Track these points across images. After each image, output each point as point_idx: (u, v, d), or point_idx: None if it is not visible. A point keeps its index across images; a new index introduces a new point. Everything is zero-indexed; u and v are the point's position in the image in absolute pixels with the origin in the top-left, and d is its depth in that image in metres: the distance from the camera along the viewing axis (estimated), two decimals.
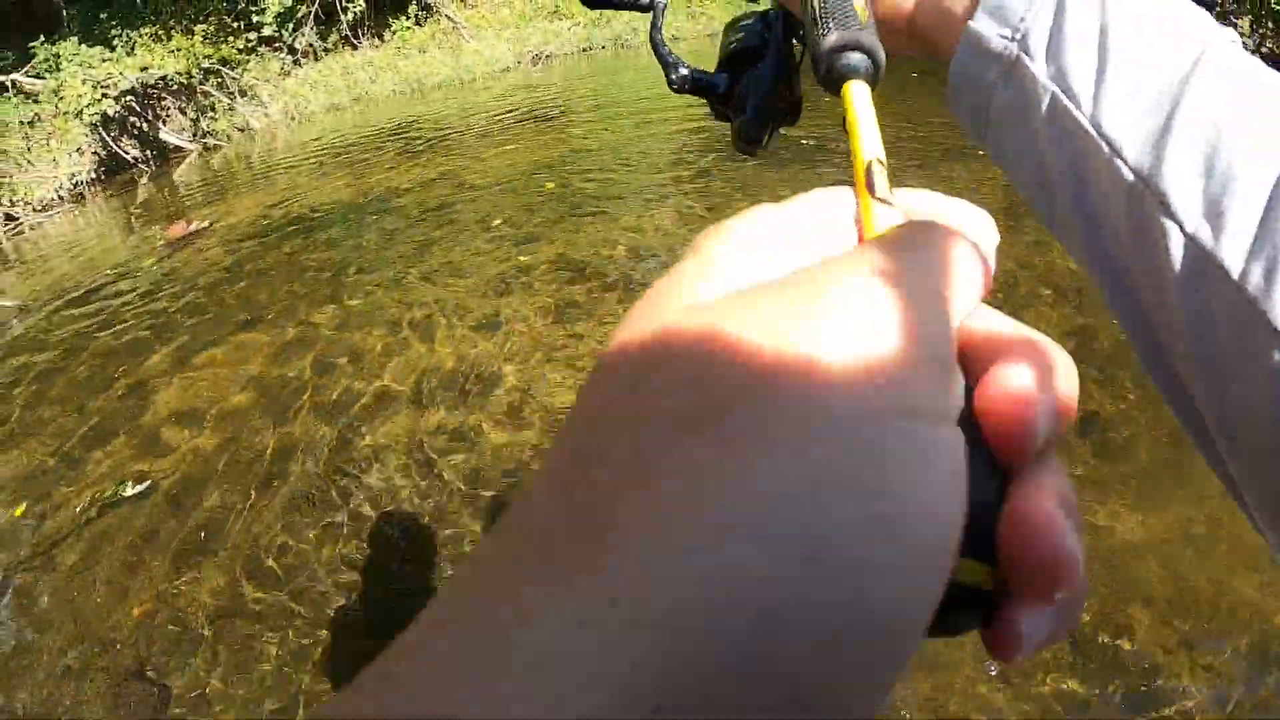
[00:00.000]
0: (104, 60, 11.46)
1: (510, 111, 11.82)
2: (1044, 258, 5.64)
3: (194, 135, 12.33)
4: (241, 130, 12.80)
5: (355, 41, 14.75)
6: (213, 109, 12.69)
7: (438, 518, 3.60)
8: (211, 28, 13.15)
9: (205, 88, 12.59)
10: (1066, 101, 0.49)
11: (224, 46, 13.08)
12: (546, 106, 11.80)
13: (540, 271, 5.87)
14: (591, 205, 7.13)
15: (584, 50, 16.45)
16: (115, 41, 12.34)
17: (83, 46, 11.56)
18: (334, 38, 14.53)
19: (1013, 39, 0.51)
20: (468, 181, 8.36)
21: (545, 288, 5.62)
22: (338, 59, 14.44)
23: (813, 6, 0.47)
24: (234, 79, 13.03)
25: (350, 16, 14.34)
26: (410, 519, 3.63)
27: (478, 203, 7.63)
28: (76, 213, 10.13)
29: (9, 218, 9.68)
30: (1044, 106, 0.50)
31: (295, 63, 14.18)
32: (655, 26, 0.73)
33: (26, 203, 9.98)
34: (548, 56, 15.79)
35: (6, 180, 9.97)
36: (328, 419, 4.41)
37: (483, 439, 4.10)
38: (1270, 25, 15.15)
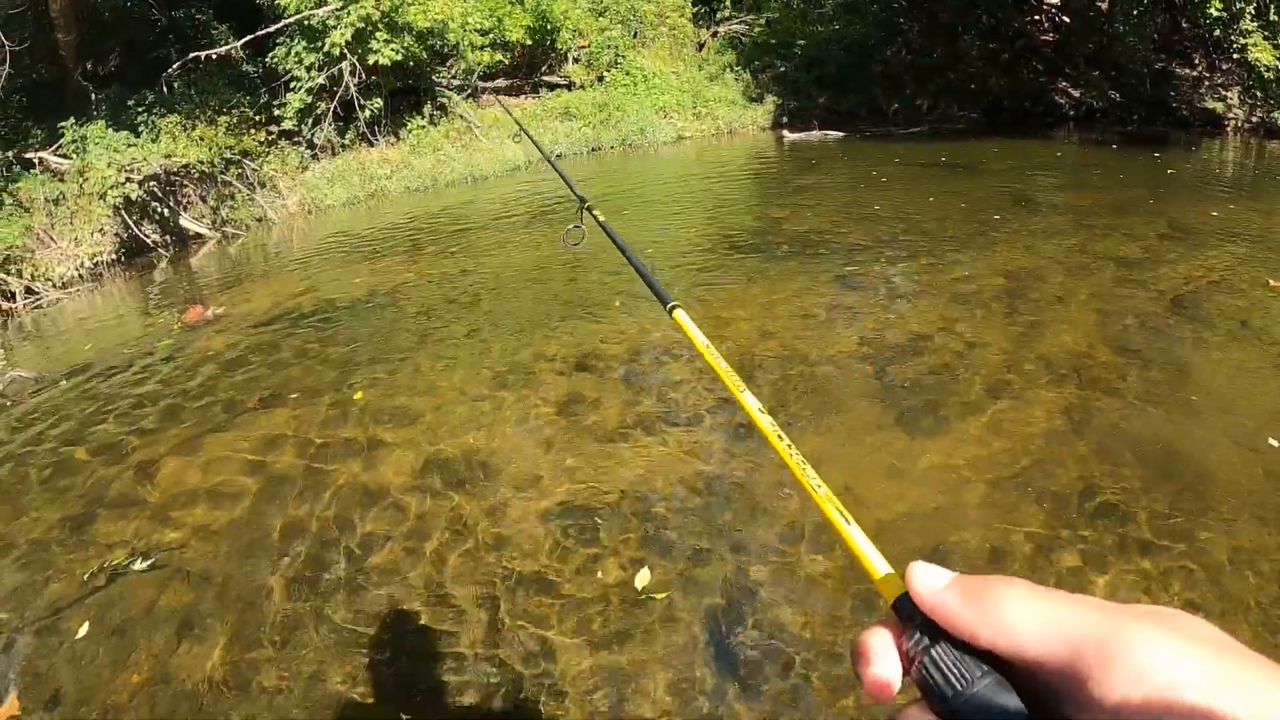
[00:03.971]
0: (130, 145, 11.82)
1: (520, 210, 12.20)
2: (1041, 340, 5.90)
3: (213, 223, 12.70)
4: (259, 220, 13.18)
5: (372, 139, 15.20)
6: (233, 198, 13.09)
7: (434, 600, 3.79)
8: (234, 120, 13.58)
9: (226, 177, 13.01)
10: None
11: (246, 138, 13.51)
12: (555, 205, 12.17)
13: (543, 366, 6.12)
14: (597, 303, 7.41)
15: (593, 150, 16.95)
16: (141, 128, 12.73)
17: (110, 130, 11.95)
18: (351, 134, 14.99)
19: None
20: (476, 277, 8.67)
21: (548, 381, 5.87)
22: (354, 155, 14.88)
23: None
24: (254, 170, 13.46)
25: (368, 114, 14.82)
26: (408, 602, 3.80)
27: (485, 298, 7.92)
28: (95, 291, 10.41)
29: (30, 291, 9.96)
30: None
31: (314, 157, 14.61)
32: None
33: (47, 278, 10.27)
34: (558, 156, 16.27)
35: (29, 255, 10.27)
36: (332, 504, 4.60)
37: (480, 526, 4.29)
38: (1259, 94, 15.68)
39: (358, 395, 6.01)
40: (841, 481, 4.36)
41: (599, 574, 3.84)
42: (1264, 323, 6.11)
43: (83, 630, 3.81)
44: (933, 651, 0.43)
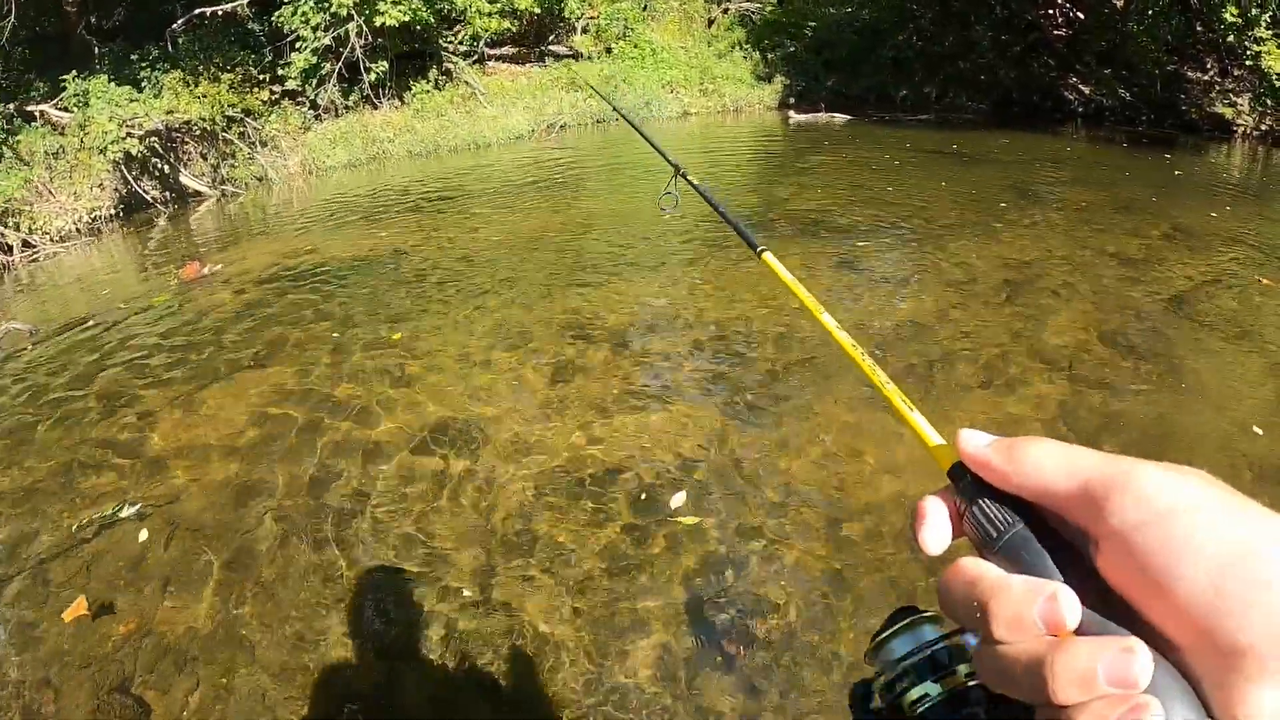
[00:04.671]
0: (131, 100, 11.76)
1: (522, 177, 12.16)
2: (1036, 332, 5.91)
3: (213, 181, 12.66)
4: (260, 180, 13.13)
5: (376, 101, 15.11)
6: (233, 157, 13.03)
7: (424, 559, 3.80)
8: (238, 78, 13.49)
9: (228, 135, 12.95)
10: None
11: (249, 97, 13.42)
12: (558, 174, 12.14)
13: (540, 331, 6.13)
14: (594, 272, 7.42)
15: (598, 122, 16.89)
16: (144, 83, 12.65)
17: (112, 85, 11.89)
18: (355, 96, 14.90)
19: None
20: (474, 244, 8.65)
21: (544, 348, 5.87)
22: (358, 117, 14.80)
23: None
24: (256, 129, 13.39)
25: (373, 77, 14.72)
26: (398, 559, 3.82)
27: (483, 264, 7.91)
28: (93, 246, 10.38)
29: (27, 244, 9.94)
30: None
31: (316, 118, 14.53)
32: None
33: (45, 232, 10.25)
34: (562, 126, 16.22)
35: (27, 208, 10.24)
36: (324, 460, 4.62)
37: (470, 485, 4.31)
38: (1270, 102, 15.63)
39: (395, 336, 6.22)
40: (836, 461, 4.37)
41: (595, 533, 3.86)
42: (1257, 323, 6.13)
43: (69, 580, 3.82)
44: (978, 503, 0.50)
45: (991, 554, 0.48)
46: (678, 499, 4.23)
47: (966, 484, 0.52)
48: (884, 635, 0.63)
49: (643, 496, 4.20)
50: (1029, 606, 0.43)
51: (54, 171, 10.87)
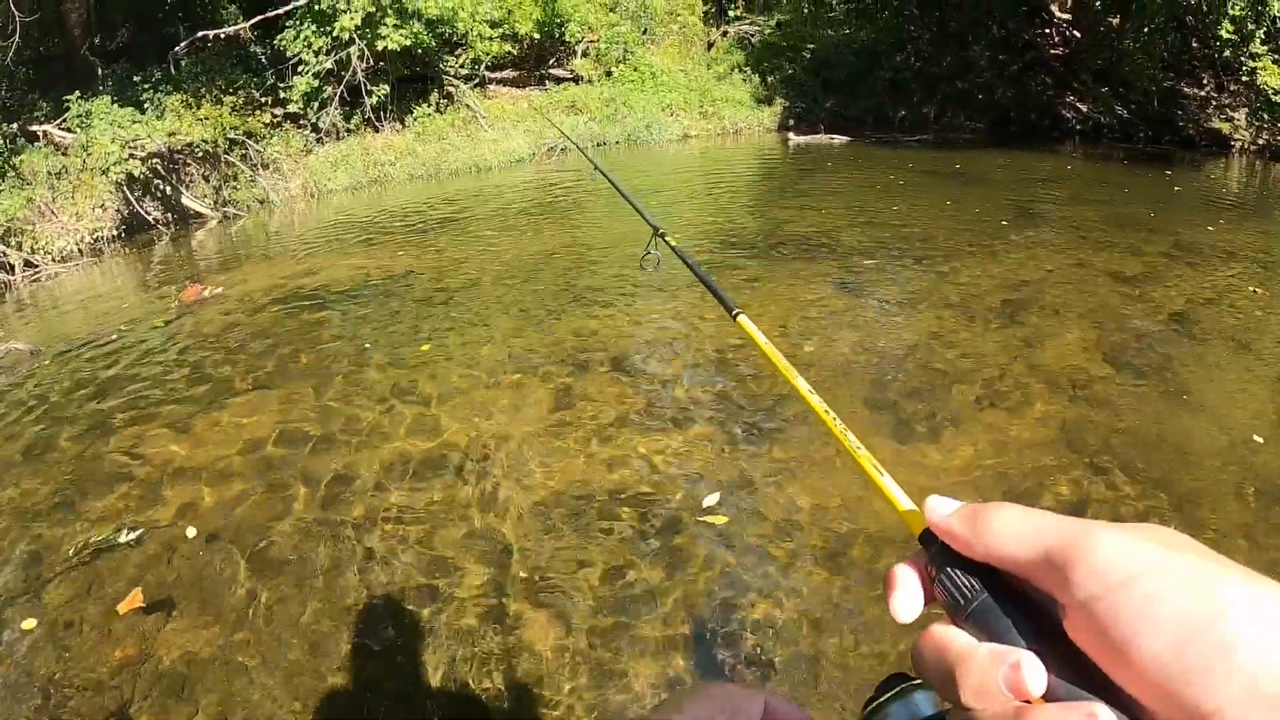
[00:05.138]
0: (134, 122, 11.80)
1: (522, 201, 12.20)
2: (1037, 352, 5.92)
3: (215, 203, 12.69)
4: (261, 202, 13.16)
5: (377, 124, 15.17)
6: (235, 179, 13.07)
7: (430, 583, 3.79)
8: (240, 100, 13.54)
9: (229, 158, 12.99)
10: None
11: (251, 119, 13.47)
12: (558, 198, 12.17)
13: (540, 356, 6.12)
14: (595, 296, 7.42)
15: (598, 145, 16.94)
16: (147, 104, 12.69)
17: (115, 106, 11.92)
18: (357, 119, 14.95)
19: None
20: (475, 268, 8.66)
21: (543, 372, 5.86)
22: (359, 140, 14.86)
23: None
24: (258, 151, 13.43)
25: (374, 100, 14.79)
26: (399, 588, 3.80)
27: (483, 288, 7.91)
28: (95, 267, 10.40)
29: (29, 264, 9.95)
30: None
31: (318, 140, 14.58)
32: None
33: (47, 252, 10.26)
34: (563, 150, 16.28)
35: (30, 228, 10.26)
36: (323, 486, 4.61)
37: (471, 511, 4.30)
38: (1266, 117, 15.71)
39: (424, 347, 6.36)
40: (833, 485, 4.37)
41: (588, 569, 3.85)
42: (1258, 337, 6.15)
43: (67, 603, 3.80)
44: (947, 571, 0.50)
45: (961, 621, 0.49)
46: (711, 498, 4.29)
47: (936, 551, 0.52)
48: (876, 704, 0.63)
49: (652, 517, 4.19)
50: (994, 674, 0.44)
51: (56, 191, 10.89)
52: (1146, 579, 0.41)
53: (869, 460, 0.65)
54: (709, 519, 4.16)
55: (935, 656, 0.48)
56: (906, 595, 0.53)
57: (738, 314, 1.22)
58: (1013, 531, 0.47)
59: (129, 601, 3.77)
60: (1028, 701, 0.43)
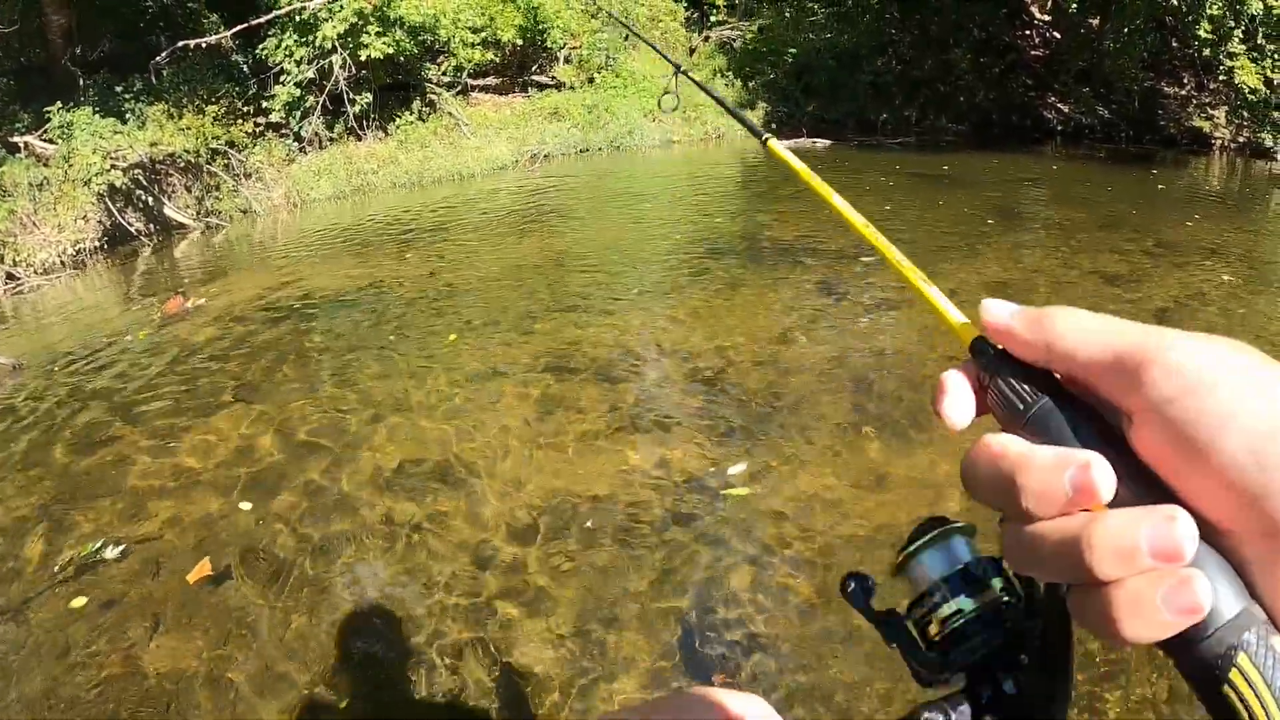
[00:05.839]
0: (116, 132, 11.72)
1: (506, 209, 12.20)
2: None
3: (198, 213, 12.61)
4: (244, 212, 13.09)
5: (360, 133, 15.12)
6: (218, 189, 12.99)
7: (412, 600, 3.77)
8: (222, 110, 13.47)
9: (212, 168, 12.92)
10: None
11: (233, 129, 13.40)
12: (541, 205, 12.17)
13: (524, 365, 6.11)
14: (579, 303, 7.41)
15: (581, 151, 16.94)
16: (128, 115, 12.62)
17: (96, 116, 11.83)
18: (339, 128, 14.90)
19: None
20: (460, 275, 8.65)
21: (528, 380, 5.86)
22: (342, 148, 14.80)
23: None
24: (240, 161, 13.37)
25: (357, 109, 14.75)
26: (386, 602, 3.79)
27: (468, 296, 7.90)
28: (77, 279, 10.33)
29: (10, 277, 9.87)
30: None
31: (301, 150, 14.52)
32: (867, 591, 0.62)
33: (29, 264, 10.18)
34: (546, 156, 16.26)
35: (11, 240, 10.18)
36: (307, 498, 4.59)
37: (456, 521, 4.29)
38: (1245, 115, 15.84)
39: (452, 337, 6.57)
40: (820, 489, 4.37)
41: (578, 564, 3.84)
42: (1239, 333, 6.17)
43: (50, 619, 3.77)
44: (1003, 376, 0.48)
45: (1019, 428, 0.46)
46: (736, 468, 4.39)
47: (990, 357, 0.50)
48: (913, 548, 0.58)
49: (632, 525, 4.19)
50: (1060, 476, 0.41)
51: (38, 203, 10.80)
52: (1227, 382, 0.39)
53: (917, 273, 0.64)
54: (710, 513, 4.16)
55: (990, 464, 0.45)
56: (958, 399, 0.51)
57: (766, 139, 1.26)
58: (1081, 333, 0.45)
59: (199, 570, 3.74)
60: (1093, 508, 0.41)
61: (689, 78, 2.15)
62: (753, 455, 4.74)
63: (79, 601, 3.88)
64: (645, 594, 3.70)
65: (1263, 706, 0.38)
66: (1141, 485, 0.42)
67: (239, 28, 14.21)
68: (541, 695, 3.19)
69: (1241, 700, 0.38)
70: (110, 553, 4.21)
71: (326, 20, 13.47)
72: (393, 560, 4.04)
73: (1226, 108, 16.46)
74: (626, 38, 19.27)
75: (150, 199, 12.12)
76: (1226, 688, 0.38)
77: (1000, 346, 0.50)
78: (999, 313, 0.49)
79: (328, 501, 4.54)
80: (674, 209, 12.04)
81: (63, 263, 10.62)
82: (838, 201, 0.85)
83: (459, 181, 14.87)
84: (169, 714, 3.21)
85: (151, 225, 12.09)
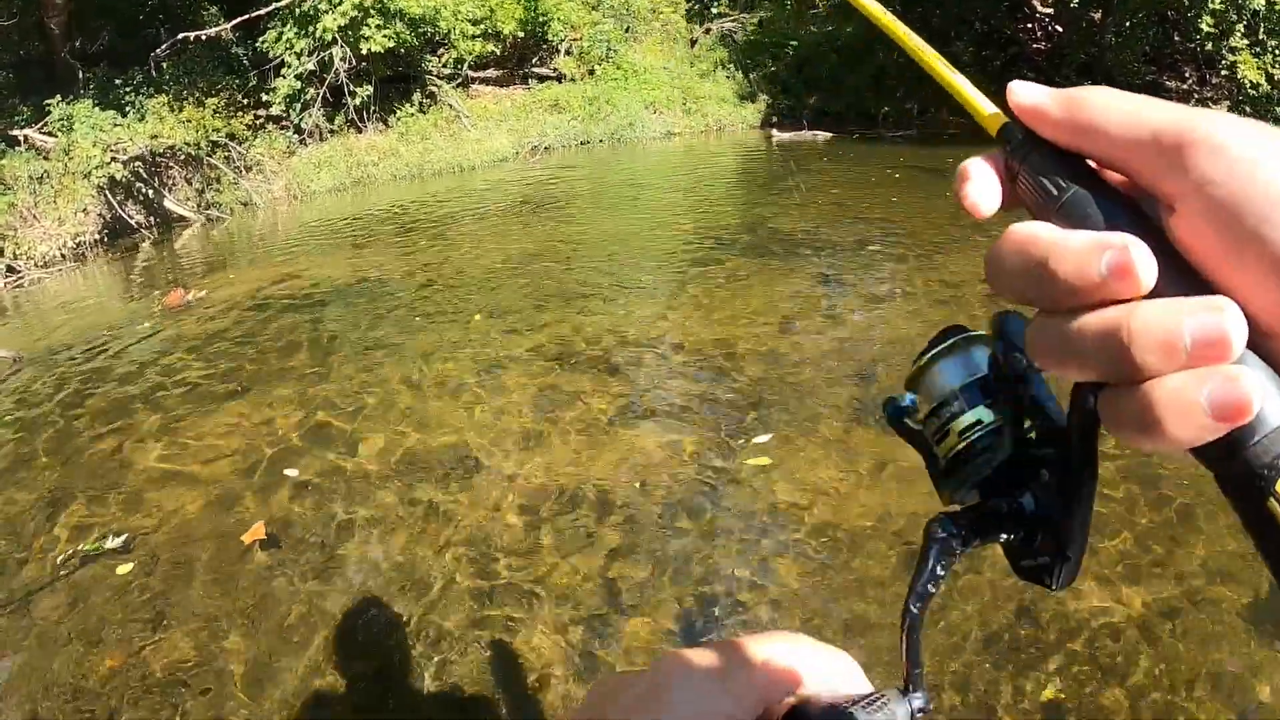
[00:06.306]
0: (116, 125, 11.72)
1: (507, 200, 12.17)
2: None
3: (198, 206, 12.62)
4: (245, 204, 13.08)
5: (360, 125, 15.10)
6: (218, 181, 12.99)
7: (411, 593, 3.77)
8: (222, 102, 13.46)
9: (212, 160, 12.91)
10: None
11: (233, 121, 13.39)
12: (543, 196, 12.15)
13: (525, 356, 6.11)
14: (582, 294, 7.41)
15: (582, 143, 16.91)
16: (128, 108, 12.61)
17: (96, 109, 11.84)
18: (340, 120, 14.88)
19: None
20: (461, 266, 8.64)
21: (530, 371, 5.86)
22: (342, 141, 14.79)
23: None
24: (241, 154, 13.36)
25: (357, 101, 14.73)
26: (387, 593, 3.79)
27: (469, 288, 7.89)
28: (77, 272, 10.34)
29: (10, 270, 9.88)
30: None
31: (301, 142, 14.51)
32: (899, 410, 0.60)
33: (29, 257, 10.18)
34: (546, 148, 16.24)
35: (11, 233, 10.18)
36: (309, 490, 4.59)
37: (459, 512, 4.29)
38: (1247, 110, 15.83)
39: (477, 317, 6.63)
40: (824, 478, 4.37)
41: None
42: None
43: (54, 614, 3.78)
44: (1033, 160, 0.45)
45: (1052, 215, 0.43)
46: (762, 437, 4.49)
47: (1019, 142, 0.47)
48: (929, 355, 0.55)
49: (634, 516, 4.19)
50: (1096, 259, 0.38)
51: (38, 196, 10.80)
52: (1275, 162, 0.36)
53: (939, 60, 0.58)
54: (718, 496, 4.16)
55: (1018, 252, 0.42)
56: (983, 185, 0.47)
57: None
58: (1117, 112, 0.42)
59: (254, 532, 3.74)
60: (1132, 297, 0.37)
61: None
62: (758, 437, 4.74)
63: (81, 591, 3.88)
64: (651, 577, 3.70)
65: None
66: (1184, 281, 0.38)
67: (239, 20, 14.19)
68: (548, 676, 3.20)
69: None
70: (112, 544, 4.21)
71: (327, 12, 13.44)
72: (401, 543, 4.03)
73: (1228, 102, 16.42)
74: (628, 30, 19.23)
75: (150, 192, 12.11)
76: (1273, 500, 0.35)
77: (1029, 131, 0.47)
78: (1029, 94, 0.47)
79: (330, 492, 4.54)
80: (676, 200, 12.03)
81: (63, 256, 10.62)
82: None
83: (459, 174, 14.85)
84: (171, 703, 3.22)
85: (152, 218, 12.10)
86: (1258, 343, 0.36)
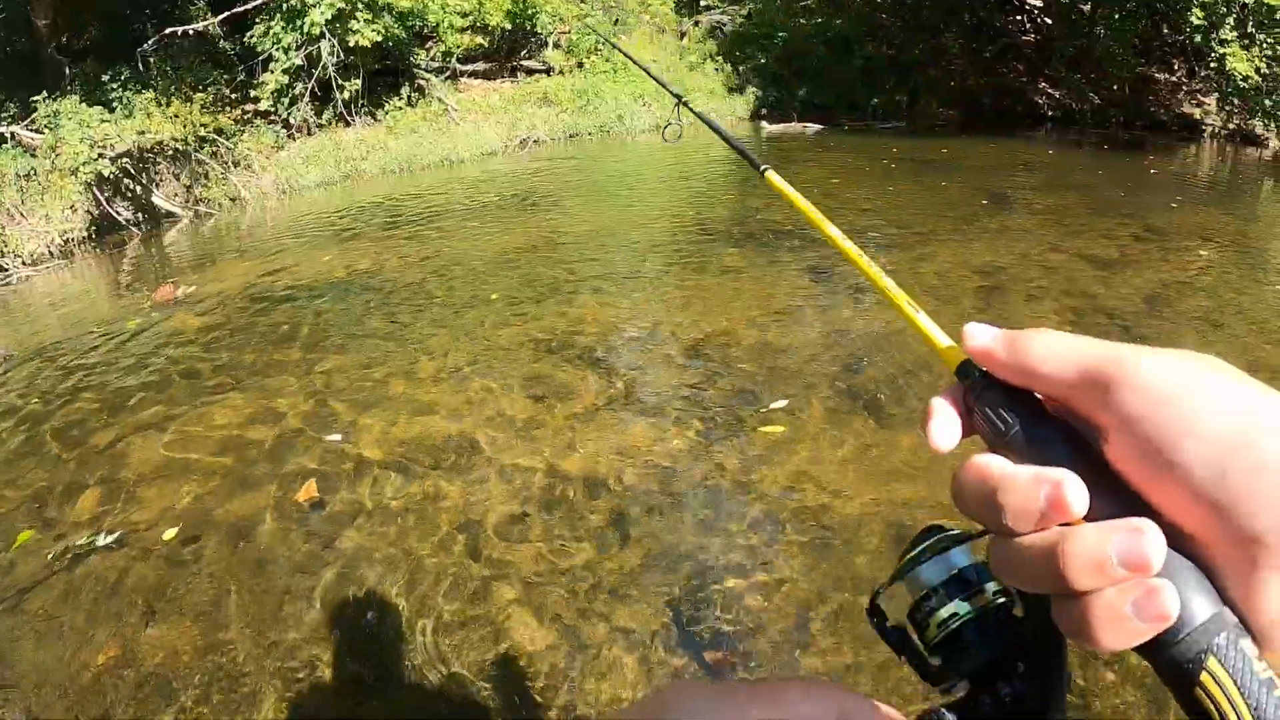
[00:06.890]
0: (103, 121, 11.67)
1: (497, 193, 12.16)
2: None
3: (186, 202, 12.56)
4: (233, 200, 13.04)
5: (349, 119, 15.08)
6: (206, 177, 12.94)
7: (406, 584, 3.77)
8: (210, 97, 13.43)
9: (200, 156, 12.86)
10: None
11: (221, 117, 13.36)
12: (532, 190, 12.14)
13: (515, 348, 6.11)
14: (571, 286, 7.41)
15: (571, 136, 16.91)
16: (115, 103, 12.57)
17: (83, 105, 11.79)
18: (328, 114, 14.86)
19: None
20: (450, 260, 8.63)
21: (519, 363, 5.86)
22: (331, 135, 14.76)
23: None
24: (229, 149, 13.32)
25: (345, 95, 14.70)
26: (378, 583, 3.79)
27: (458, 281, 7.88)
28: (66, 269, 10.29)
29: None
30: None
31: (289, 137, 14.48)
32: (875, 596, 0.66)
33: (17, 255, 10.13)
34: (535, 141, 16.24)
35: None
36: (300, 484, 4.58)
37: (448, 502, 4.29)
38: (1235, 103, 15.89)
39: (494, 296, 6.86)
40: (814, 470, 4.38)
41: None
42: (1228, 316, 6.23)
43: (46, 609, 3.77)
44: (986, 398, 0.50)
45: (1003, 447, 0.49)
46: (780, 401, 4.62)
47: (974, 380, 0.52)
48: (910, 555, 0.62)
49: (627, 510, 4.19)
50: (1036, 493, 0.43)
51: (25, 194, 10.76)
52: (1189, 396, 0.41)
53: (905, 300, 0.66)
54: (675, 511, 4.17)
55: (976, 483, 0.47)
56: (943, 423, 0.52)
57: (765, 170, 1.27)
58: (1055, 352, 0.47)
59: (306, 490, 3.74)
60: (1070, 523, 0.43)
61: (690, 109, 2.18)
62: (750, 434, 4.75)
63: (73, 588, 3.87)
64: (637, 570, 3.71)
65: (1232, 706, 0.40)
66: (1116, 498, 0.44)
67: (226, 14, 14.16)
68: (541, 672, 3.20)
69: (1212, 701, 0.40)
70: (104, 541, 4.19)
71: (314, 6, 13.40)
72: (389, 541, 4.03)
73: (1217, 95, 16.48)
74: (616, 22, 19.20)
75: (138, 188, 12.06)
76: (1198, 689, 0.41)
77: (984, 370, 0.52)
78: (980, 337, 0.52)
79: (323, 487, 4.53)
80: (665, 193, 12.04)
81: (51, 253, 10.58)
82: (832, 231, 0.87)
83: (449, 167, 14.84)
84: (165, 697, 3.21)
85: (140, 214, 12.04)
86: (1183, 547, 0.42)
